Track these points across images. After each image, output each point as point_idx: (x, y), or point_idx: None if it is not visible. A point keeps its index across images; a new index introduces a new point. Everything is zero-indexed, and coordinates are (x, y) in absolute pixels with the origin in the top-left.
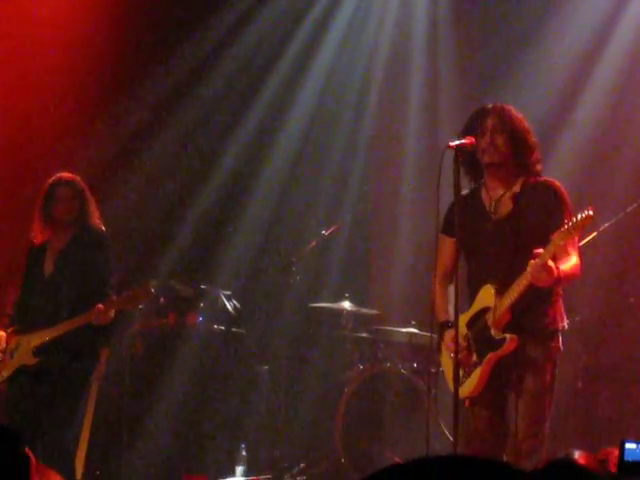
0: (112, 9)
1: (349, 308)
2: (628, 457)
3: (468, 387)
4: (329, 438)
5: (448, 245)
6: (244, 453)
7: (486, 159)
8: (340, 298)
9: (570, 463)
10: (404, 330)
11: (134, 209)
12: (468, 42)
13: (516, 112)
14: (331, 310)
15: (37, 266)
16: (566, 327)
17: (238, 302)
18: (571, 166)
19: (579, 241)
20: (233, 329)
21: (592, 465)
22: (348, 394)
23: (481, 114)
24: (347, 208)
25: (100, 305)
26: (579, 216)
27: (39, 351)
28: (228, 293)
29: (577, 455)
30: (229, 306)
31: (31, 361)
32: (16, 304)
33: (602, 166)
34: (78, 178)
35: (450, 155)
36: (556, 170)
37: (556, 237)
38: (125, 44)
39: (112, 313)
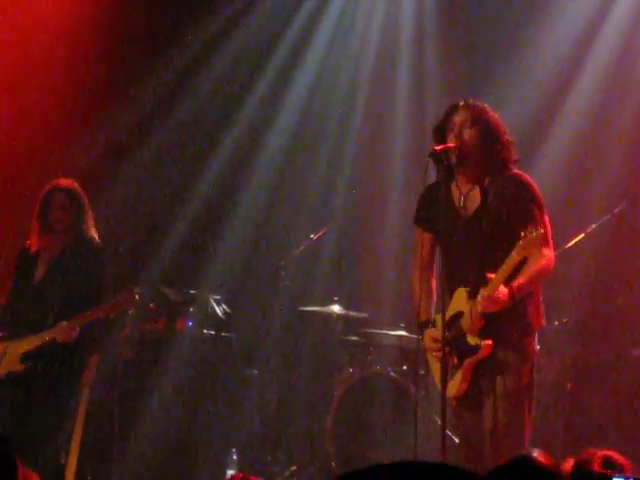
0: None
1: (338, 311)
2: None
3: (452, 388)
4: (320, 441)
5: (423, 237)
6: (235, 457)
7: (453, 158)
8: (329, 301)
9: (528, 460)
10: (393, 333)
11: (123, 214)
12: (455, 43)
13: (490, 109)
14: (320, 314)
15: (28, 272)
16: (544, 325)
17: (228, 307)
18: (557, 167)
19: (550, 232)
20: (223, 333)
21: (549, 463)
22: (338, 397)
23: (451, 111)
24: (335, 211)
25: (64, 322)
26: (533, 233)
27: (26, 358)
28: (218, 298)
29: (536, 454)
30: (219, 311)
31: (18, 368)
32: (4, 309)
33: (587, 168)
34: (76, 185)
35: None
36: (541, 171)
37: (512, 255)
38: (118, 44)
39: (76, 330)
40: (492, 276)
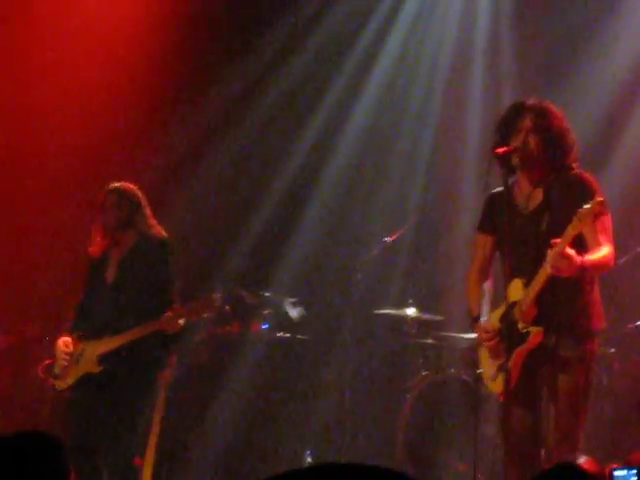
0: (179, 16)
1: (412, 314)
2: None
3: (501, 383)
4: (393, 445)
5: (482, 241)
6: (309, 460)
7: (516, 160)
8: (404, 304)
9: (574, 467)
10: (467, 336)
11: (198, 216)
12: (531, 38)
13: (555, 110)
14: (395, 316)
15: (99, 275)
16: (603, 327)
17: (302, 309)
18: (631, 169)
19: (611, 231)
20: (298, 336)
21: (596, 471)
22: (411, 401)
23: (517, 111)
24: (410, 213)
25: (169, 312)
26: (589, 204)
27: (104, 359)
28: (293, 300)
29: (582, 460)
30: (294, 313)
31: (96, 369)
32: (78, 310)
33: None
34: (129, 186)
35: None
36: (614, 174)
37: (569, 226)
38: (192, 47)
39: (182, 321)
40: (557, 240)
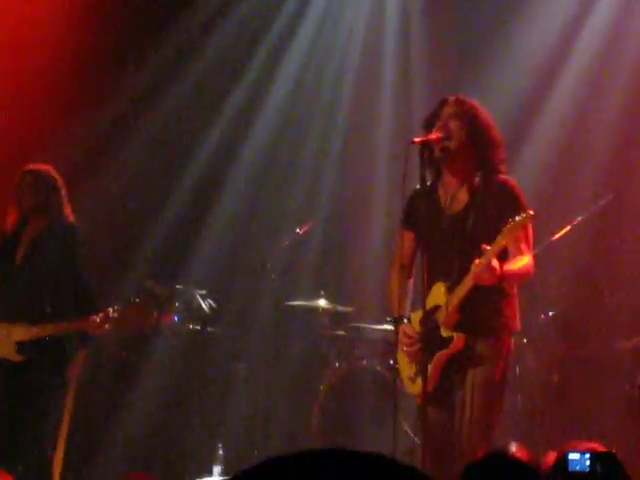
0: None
1: (325, 306)
2: (573, 468)
3: (420, 385)
4: (306, 436)
5: (406, 238)
6: (221, 452)
7: (437, 152)
8: (315, 296)
9: (504, 455)
10: (380, 327)
11: (108, 208)
12: (440, 35)
13: (479, 106)
14: (307, 308)
15: (8, 254)
16: (519, 329)
17: (214, 301)
18: (543, 159)
19: (532, 241)
20: (209, 328)
21: (527, 458)
22: (324, 392)
23: (441, 104)
24: (321, 205)
25: (95, 317)
26: (520, 215)
27: (22, 349)
28: (203, 292)
29: (514, 447)
30: (204, 305)
31: (15, 358)
32: None
33: (573, 160)
34: (48, 168)
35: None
36: (527, 163)
37: (499, 236)
38: (102, 38)
39: (107, 325)
40: (487, 247)
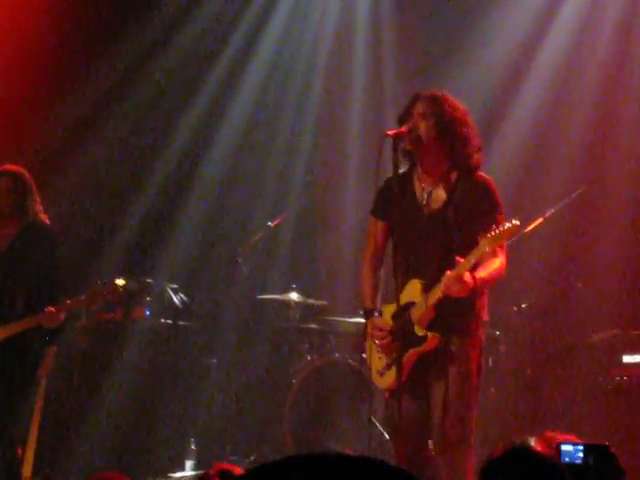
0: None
1: (296, 299)
2: (564, 459)
3: (389, 379)
4: (278, 430)
5: (378, 227)
6: (194, 447)
7: (407, 146)
8: (287, 289)
9: (527, 450)
10: (352, 320)
11: (78, 203)
12: (410, 29)
13: (453, 100)
14: (278, 301)
15: None
16: (487, 318)
17: (185, 295)
18: (515, 151)
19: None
20: (180, 322)
21: (548, 452)
22: (297, 385)
23: (413, 100)
24: (292, 199)
25: (51, 308)
26: (506, 225)
27: None
28: (174, 286)
29: (533, 442)
30: (176, 299)
31: None
32: None
33: (546, 152)
34: (22, 170)
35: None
36: (500, 155)
37: (481, 244)
38: (69, 35)
39: (62, 315)
40: (461, 259)
